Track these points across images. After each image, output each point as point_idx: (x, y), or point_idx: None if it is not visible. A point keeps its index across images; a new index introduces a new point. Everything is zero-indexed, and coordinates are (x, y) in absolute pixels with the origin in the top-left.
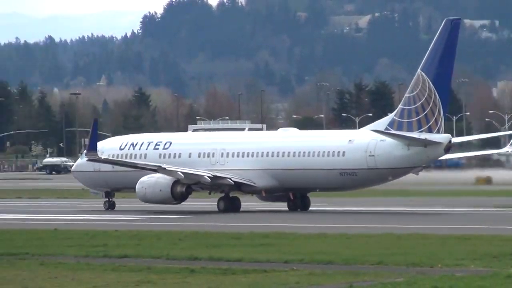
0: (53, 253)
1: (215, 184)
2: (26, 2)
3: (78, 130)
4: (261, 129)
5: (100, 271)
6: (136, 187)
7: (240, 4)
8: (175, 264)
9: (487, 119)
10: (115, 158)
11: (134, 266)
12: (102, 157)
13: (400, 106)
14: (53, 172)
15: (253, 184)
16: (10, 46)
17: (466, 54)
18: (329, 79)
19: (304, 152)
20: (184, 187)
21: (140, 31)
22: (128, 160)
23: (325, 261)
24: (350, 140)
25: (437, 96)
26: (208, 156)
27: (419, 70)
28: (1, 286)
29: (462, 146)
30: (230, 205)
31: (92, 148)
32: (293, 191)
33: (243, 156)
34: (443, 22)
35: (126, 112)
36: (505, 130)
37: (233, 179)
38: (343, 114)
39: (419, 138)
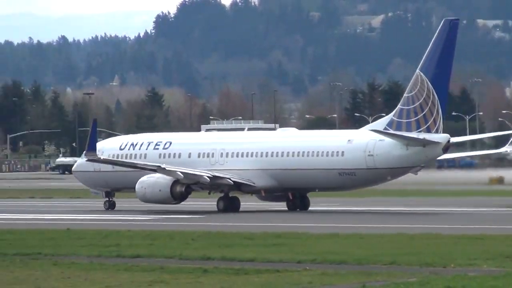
0: (66, 253)
1: (215, 184)
2: (40, 2)
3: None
4: (274, 129)
5: (113, 271)
6: (136, 187)
7: (253, 4)
8: (188, 264)
9: (500, 119)
10: (115, 158)
11: (147, 266)
12: (102, 157)
13: (399, 106)
14: (66, 172)
15: (253, 184)
16: (24, 46)
17: (479, 54)
18: (342, 79)
19: (303, 152)
20: (184, 187)
21: (153, 31)
22: (128, 160)
23: (338, 261)
24: (349, 140)
25: (436, 96)
26: (208, 156)
27: (417, 70)
28: (14, 286)
29: (475, 146)
30: (229, 205)
31: (91, 148)
32: (292, 191)
33: (242, 156)
34: (442, 22)
35: (139, 112)
36: None
37: (232, 179)
38: (356, 114)
39: (418, 138)
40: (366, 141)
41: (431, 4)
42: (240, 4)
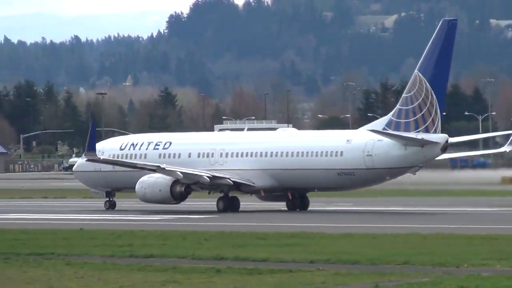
0: (79, 253)
1: (214, 184)
2: (53, 2)
3: (104, 130)
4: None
5: (126, 271)
6: (136, 187)
7: (266, 3)
8: (200, 264)
9: None
10: (115, 158)
11: (160, 266)
12: (101, 157)
13: (397, 106)
14: None
15: (252, 184)
16: (37, 46)
17: (492, 54)
18: (355, 78)
19: (302, 152)
20: (184, 187)
21: (166, 31)
22: (128, 160)
23: (351, 261)
24: (348, 140)
25: (434, 96)
26: (208, 156)
27: (416, 70)
28: (27, 286)
29: (488, 145)
30: (229, 205)
31: (91, 148)
32: (291, 191)
33: (242, 156)
34: (440, 22)
35: (152, 112)
36: None
37: (232, 179)
38: (369, 114)
39: (416, 138)
40: (365, 141)
41: (444, 4)
42: (253, 4)
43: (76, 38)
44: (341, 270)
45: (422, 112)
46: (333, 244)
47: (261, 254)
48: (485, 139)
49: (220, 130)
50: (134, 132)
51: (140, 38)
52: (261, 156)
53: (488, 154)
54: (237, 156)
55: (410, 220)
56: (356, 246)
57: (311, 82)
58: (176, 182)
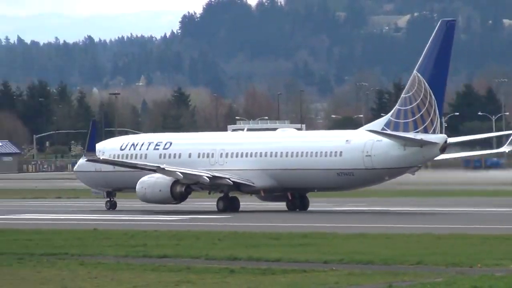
0: (92, 253)
1: (214, 184)
2: (66, 2)
3: (117, 130)
4: (300, 129)
5: (140, 271)
6: (136, 187)
7: (279, 4)
8: (214, 264)
9: None
10: (116, 159)
11: (174, 266)
12: (101, 157)
13: (396, 106)
14: None
15: (252, 184)
16: (50, 46)
17: (505, 54)
18: (368, 79)
19: (302, 153)
20: (184, 187)
21: (180, 31)
22: (128, 160)
23: (365, 261)
24: (347, 141)
25: (433, 96)
26: (208, 156)
27: (415, 71)
28: (41, 286)
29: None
30: (229, 205)
31: (91, 148)
32: (291, 191)
33: (242, 156)
34: (439, 23)
35: (165, 112)
36: None
37: (232, 179)
38: (382, 114)
39: (415, 139)
40: (364, 142)
41: (457, 4)
42: (266, 4)
43: (90, 38)
44: (355, 270)
45: (421, 113)
46: (346, 244)
47: (274, 254)
48: (499, 139)
49: (234, 130)
50: (147, 133)
51: (154, 38)
52: (261, 156)
53: (502, 154)
54: (237, 156)
55: (423, 220)
56: (370, 246)
57: (324, 82)
58: (176, 182)
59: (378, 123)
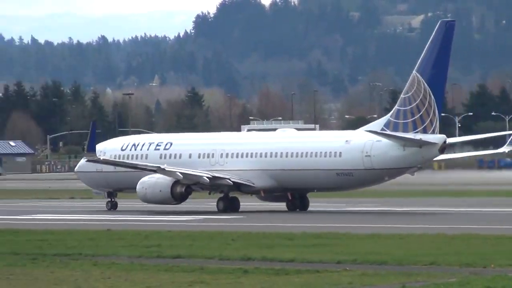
0: (106, 254)
1: (214, 185)
2: (79, 2)
3: (131, 130)
4: (314, 129)
5: (154, 271)
6: (137, 187)
7: (292, 4)
8: (228, 264)
9: None
10: (116, 159)
11: (187, 267)
12: (101, 158)
13: (395, 107)
14: None
15: (252, 185)
16: (63, 46)
17: None
18: (381, 79)
19: (302, 153)
20: (184, 187)
21: (193, 30)
22: (129, 160)
23: (378, 262)
24: (347, 141)
25: (432, 97)
26: (208, 156)
27: (414, 71)
28: (54, 286)
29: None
30: (229, 205)
31: (91, 149)
32: (291, 191)
33: (242, 156)
34: (438, 23)
35: (179, 112)
36: None
37: (231, 179)
38: None
39: (414, 139)
40: (364, 142)
41: (471, 4)
42: (279, 3)
43: (103, 38)
44: (368, 270)
45: (420, 113)
46: (360, 245)
47: (288, 254)
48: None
49: (249, 130)
50: (161, 133)
51: (167, 38)
52: (261, 156)
53: (509, 154)
54: (237, 156)
55: (436, 221)
56: (383, 246)
57: (337, 82)
58: (176, 182)
59: (378, 124)
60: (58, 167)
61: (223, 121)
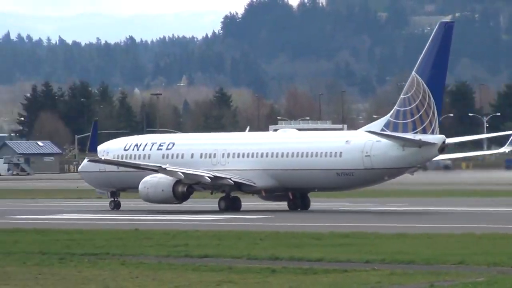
0: (134, 253)
1: (216, 184)
2: (107, 2)
3: (159, 130)
4: (342, 129)
5: (181, 271)
6: (139, 187)
7: (320, 4)
8: (256, 264)
9: None
10: (119, 159)
11: (215, 266)
12: (103, 158)
13: (395, 107)
14: None
15: (253, 184)
16: (91, 46)
17: None
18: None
19: (302, 153)
20: (186, 187)
21: (221, 31)
22: (131, 160)
23: (406, 261)
24: (347, 141)
25: (431, 97)
26: (210, 156)
27: (413, 72)
28: (82, 286)
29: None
30: (231, 205)
31: (92, 149)
32: (292, 191)
33: (243, 156)
34: (437, 25)
35: (207, 112)
36: None
37: (233, 179)
38: None
39: (414, 139)
40: (364, 142)
41: (499, 4)
42: (307, 4)
43: (131, 38)
44: (396, 270)
45: (420, 113)
46: (388, 244)
47: (316, 254)
48: None
49: (275, 130)
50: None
51: (195, 39)
52: (262, 156)
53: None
54: (238, 156)
55: (464, 220)
56: (411, 246)
57: (365, 82)
58: (178, 182)
59: (378, 124)
60: None
61: (251, 122)
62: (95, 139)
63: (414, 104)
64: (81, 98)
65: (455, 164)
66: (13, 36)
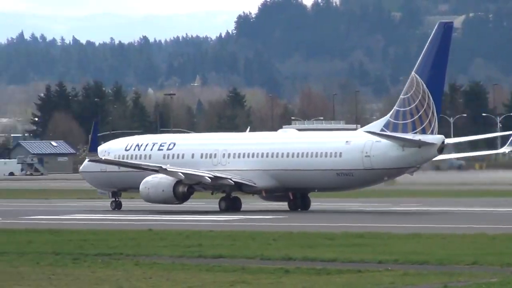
0: (147, 253)
1: (216, 185)
2: (121, 2)
3: (172, 130)
4: (355, 129)
5: (195, 271)
6: (140, 187)
7: (334, 4)
8: (269, 264)
9: None
10: (120, 159)
11: (229, 266)
12: (104, 158)
13: (395, 108)
14: None
15: (253, 184)
16: (105, 46)
17: None
18: None
19: (302, 153)
20: (186, 187)
21: (235, 31)
22: (132, 161)
23: (420, 261)
24: (347, 141)
25: (431, 98)
26: (210, 156)
27: (413, 72)
28: (96, 286)
29: None
30: (231, 205)
31: (93, 149)
32: (292, 191)
33: (244, 157)
34: (436, 25)
35: (220, 112)
36: None
37: (233, 179)
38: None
39: (413, 139)
40: (364, 142)
41: None
42: (321, 4)
43: (145, 38)
44: (410, 270)
45: (419, 114)
46: (401, 244)
47: (329, 254)
48: None
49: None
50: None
51: (209, 39)
52: (262, 157)
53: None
54: (239, 157)
55: (478, 221)
56: (425, 246)
57: (379, 82)
58: (179, 182)
59: (378, 124)
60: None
61: (264, 121)
62: (95, 139)
63: (414, 105)
64: (94, 98)
65: (468, 165)
66: (27, 36)
